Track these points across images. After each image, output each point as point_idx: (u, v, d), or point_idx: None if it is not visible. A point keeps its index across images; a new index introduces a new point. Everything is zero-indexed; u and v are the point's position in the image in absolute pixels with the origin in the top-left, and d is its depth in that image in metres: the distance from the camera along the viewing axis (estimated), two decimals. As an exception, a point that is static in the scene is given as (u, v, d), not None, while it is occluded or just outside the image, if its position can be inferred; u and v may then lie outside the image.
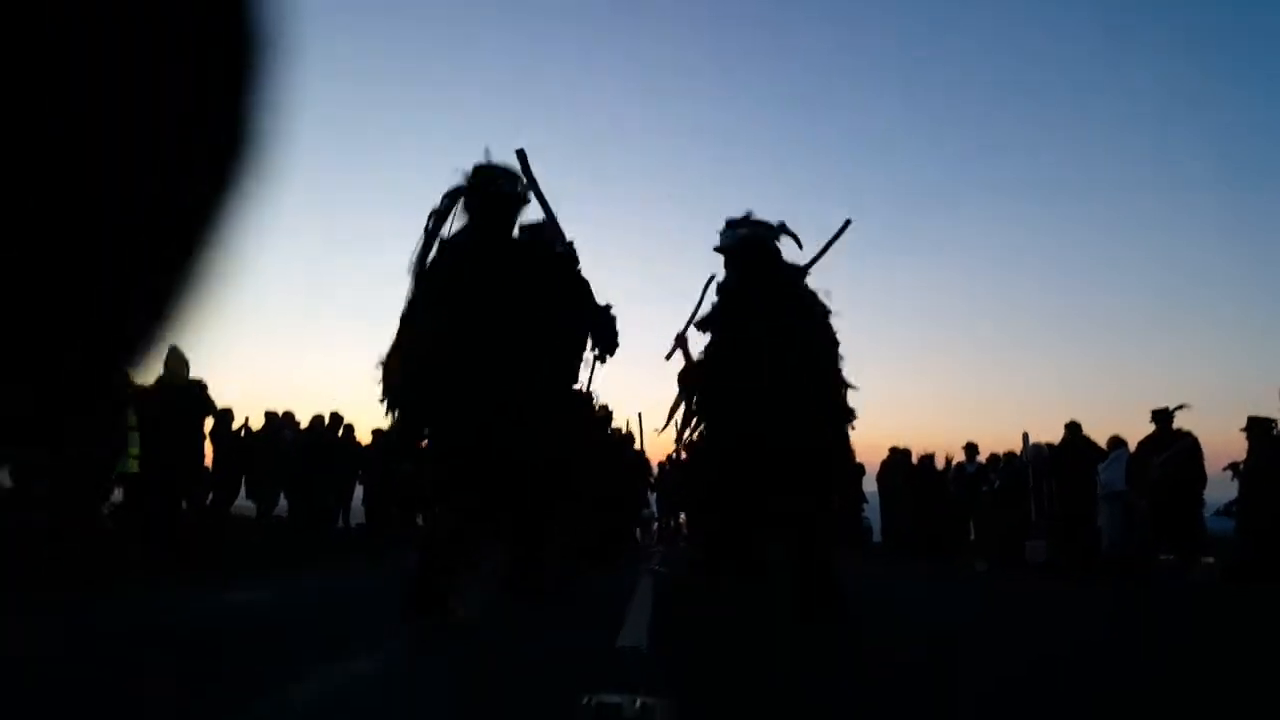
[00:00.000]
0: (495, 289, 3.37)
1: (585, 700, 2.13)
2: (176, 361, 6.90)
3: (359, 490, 10.51)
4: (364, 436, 10.38)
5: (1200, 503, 8.52)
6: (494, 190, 3.54)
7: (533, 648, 3.21)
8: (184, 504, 7.71)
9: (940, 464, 11.47)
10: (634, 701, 2.13)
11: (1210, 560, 7.96)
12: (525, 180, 3.62)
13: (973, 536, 10.74)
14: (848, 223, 4.15)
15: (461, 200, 3.52)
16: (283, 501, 10.00)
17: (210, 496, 8.68)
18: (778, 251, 3.94)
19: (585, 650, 3.10)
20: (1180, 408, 8.68)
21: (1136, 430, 9.06)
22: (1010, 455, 10.23)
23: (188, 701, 2.22)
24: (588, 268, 3.84)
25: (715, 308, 4.05)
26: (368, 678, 2.60)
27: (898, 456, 11.91)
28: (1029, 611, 5.15)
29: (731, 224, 3.98)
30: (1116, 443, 9.72)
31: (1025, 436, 9.86)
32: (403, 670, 2.71)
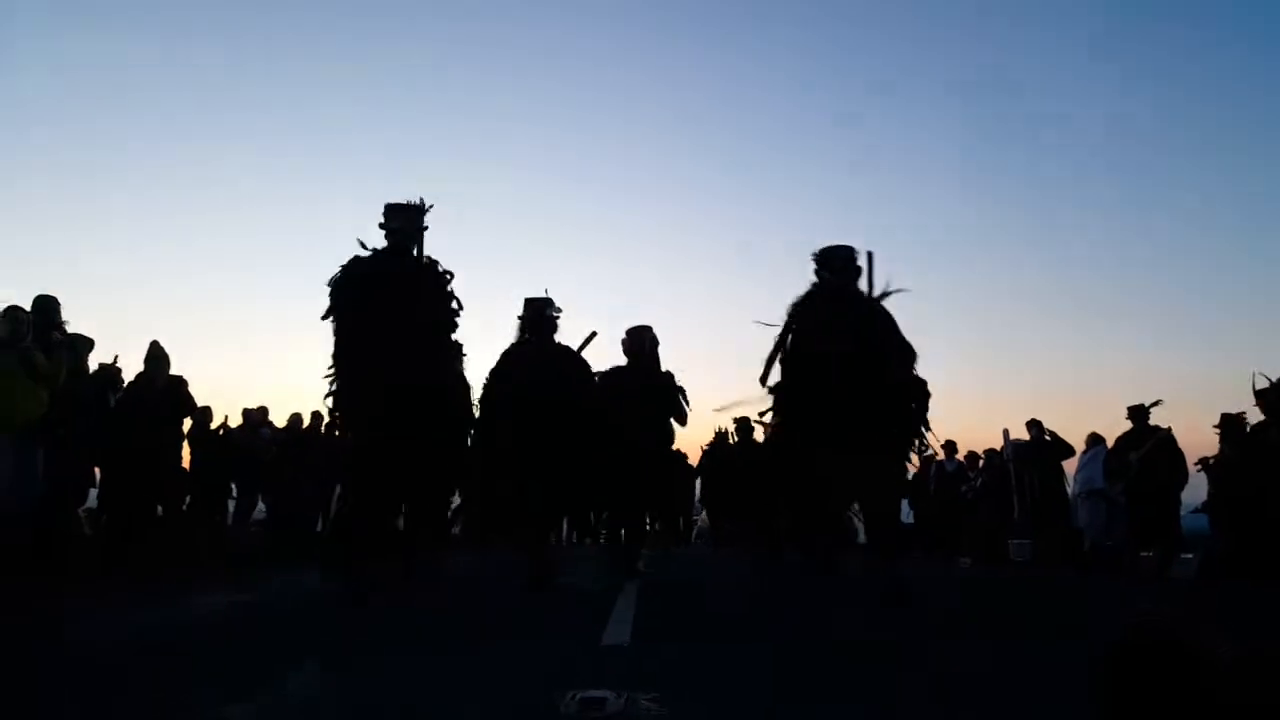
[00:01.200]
0: (400, 303, 4.46)
1: (570, 695, 2.12)
2: (156, 358, 6.78)
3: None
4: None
5: (1178, 500, 8.61)
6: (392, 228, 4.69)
7: (518, 646, 3.20)
8: (160, 507, 7.59)
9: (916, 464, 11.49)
10: (619, 696, 2.12)
11: (1189, 556, 8.05)
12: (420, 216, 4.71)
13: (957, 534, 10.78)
14: (870, 255, 4.62)
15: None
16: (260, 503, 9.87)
17: (188, 499, 8.56)
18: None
19: (571, 648, 3.09)
20: (1155, 404, 8.78)
21: (1116, 428, 9.16)
22: (991, 452, 10.30)
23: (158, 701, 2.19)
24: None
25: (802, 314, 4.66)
26: (351, 673, 2.57)
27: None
28: (1011, 605, 5.18)
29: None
30: (1095, 440, 9.82)
31: (1005, 433, 9.94)
32: (386, 667, 2.68)
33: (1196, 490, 8.62)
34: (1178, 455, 8.59)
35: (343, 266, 4.58)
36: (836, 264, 4.64)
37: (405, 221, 4.64)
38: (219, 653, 2.99)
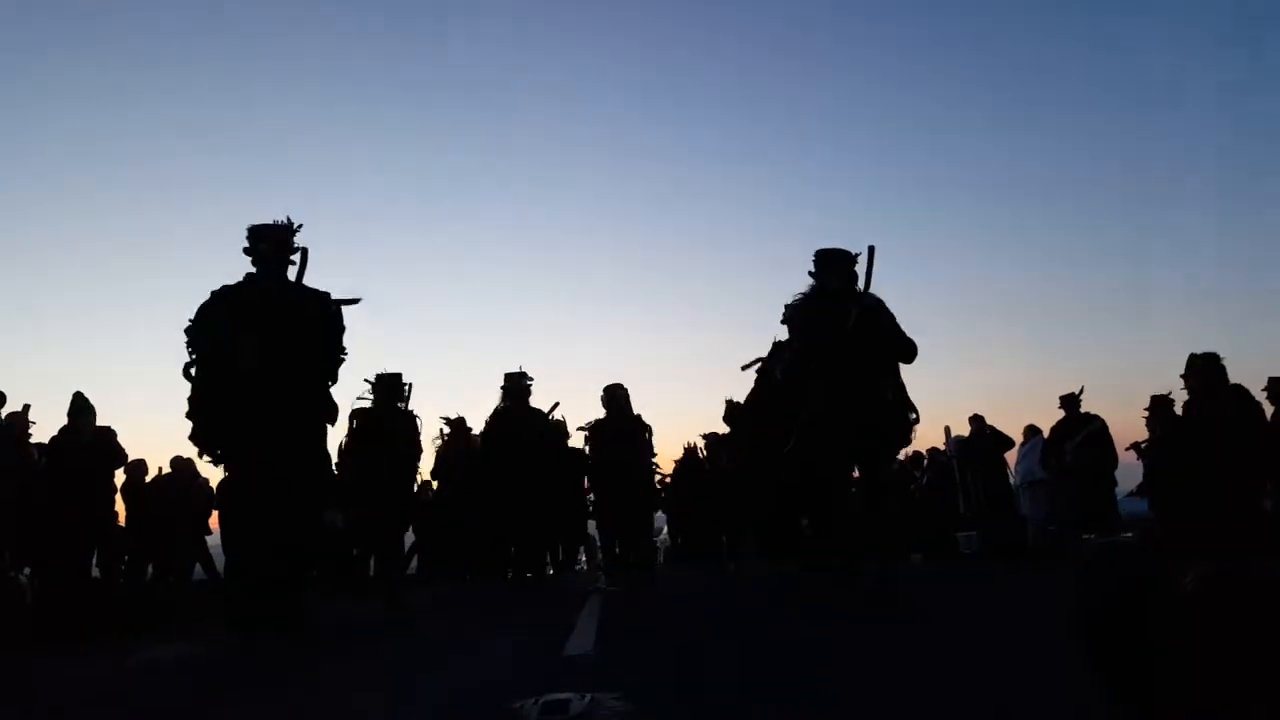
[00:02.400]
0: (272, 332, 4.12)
1: (533, 700, 2.11)
2: (80, 409, 6.54)
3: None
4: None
5: (1112, 483, 8.91)
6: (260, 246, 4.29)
7: (480, 659, 3.18)
8: (94, 564, 7.29)
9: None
10: (582, 698, 2.11)
11: (1129, 536, 8.31)
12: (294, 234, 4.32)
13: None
14: (871, 249, 4.62)
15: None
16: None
17: (126, 557, 8.23)
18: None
19: (534, 658, 3.07)
20: (1081, 391, 9.14)
21: (1050, 420, 9.46)
22: (934, 450, 10.52)
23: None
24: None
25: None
26: (317, 689, 2.52)
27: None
28: (977, 594, 5.29)
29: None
30: (1032, 432, 10.12)
31: (947, 430, 10.17)
32: (350, 685, 2.63)
33: (1128, 474, 8.96)
34: (1108, 442, 8.92)
35: (205, 303, 4.14)
36: (827, 264, 4.72)
37: (273, 244, 4.23)
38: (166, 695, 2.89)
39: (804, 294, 4.83)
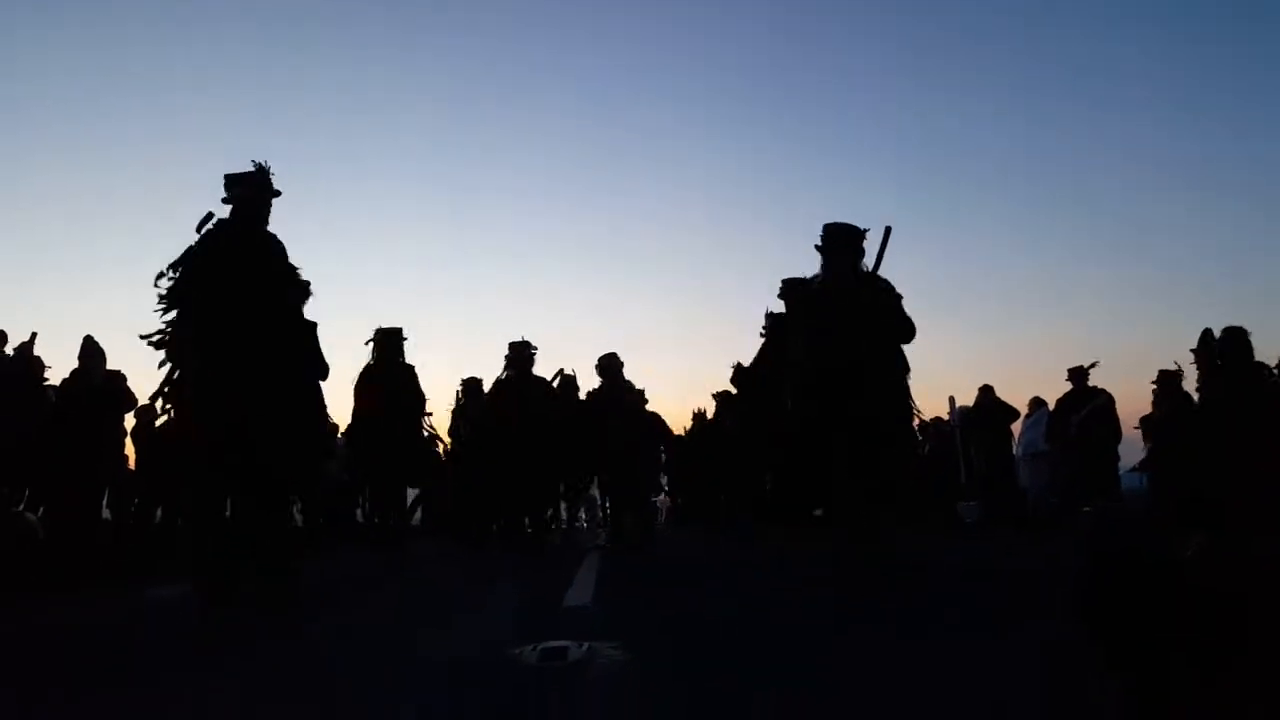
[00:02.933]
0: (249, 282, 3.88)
1: (532, 647, 2.15)
2: (90, 354, 6.58)
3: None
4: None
5: (1115, 458, 8.91)
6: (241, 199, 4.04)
7: (478, 611, 3.23)
8: (105, 508, 7.39)
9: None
10: (580, 646, 2.15)
11: (1127, 507, 8.33)
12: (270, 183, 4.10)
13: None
14: (888, 230, 4.47)
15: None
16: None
17: (136, 500, 8.35)
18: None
19: (532, 610, 3.13)
20: (1093, 365, 9.07)
21: (1056, 393, 9.44)
22: (938, 420, 10.54)
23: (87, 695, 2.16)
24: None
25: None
26: (320, 637, 2.57)
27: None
28: (964, 567, 5.33)
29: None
30: (1038, 404, 10.11)
31: (952, 400, 10.18)
32: (353, 632, 2.68)
33: (1132, 450, 8.95)
34: (1113, 416, 8.90)
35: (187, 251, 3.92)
36: (835, 244, 4.59)
37: (250, 189, 4.04)
38: (176, 640, 2.95)
39: (809, 280, 4.75)
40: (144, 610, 3.82)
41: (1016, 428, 9.98)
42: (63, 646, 2.69)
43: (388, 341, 6.57)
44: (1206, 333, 6.96)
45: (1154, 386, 8.34)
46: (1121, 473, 9.16)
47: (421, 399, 6.79)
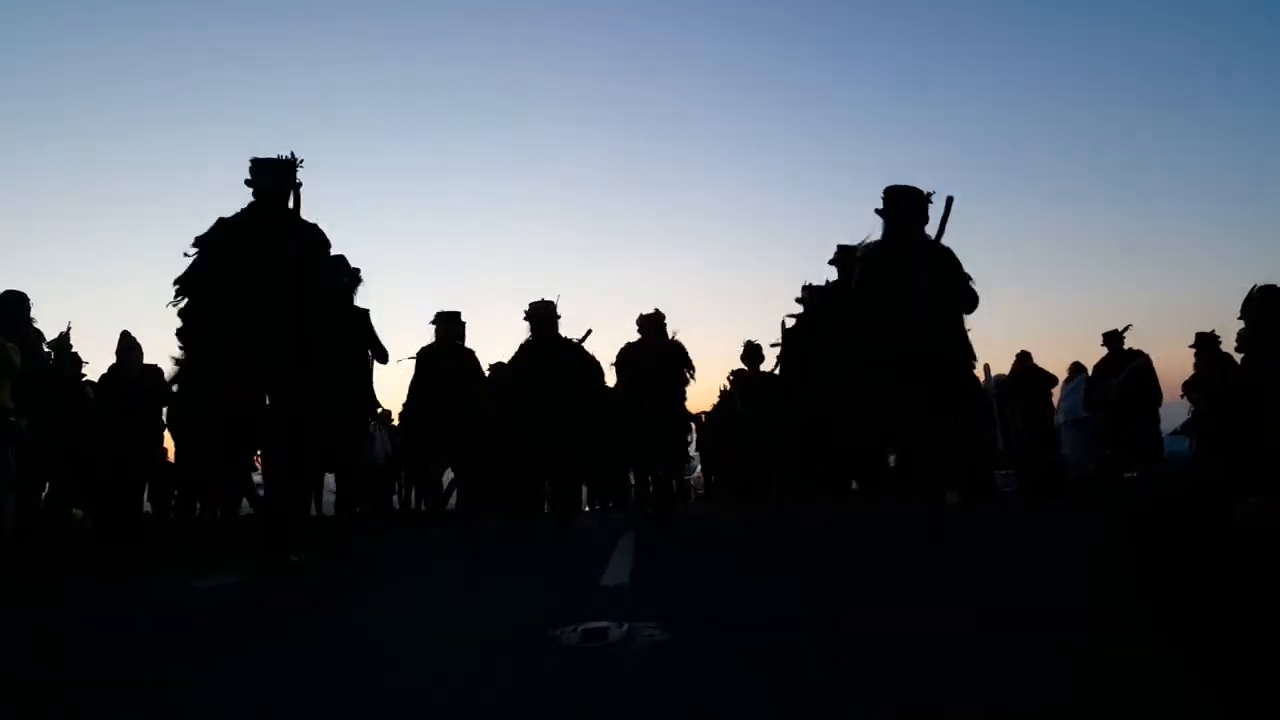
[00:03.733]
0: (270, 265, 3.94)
1: (572, 628, 2.13)
2: (128, 349, 6.67)
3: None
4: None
5: (1157, 420, 8.73)
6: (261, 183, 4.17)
7: (518, 590, 3.23)
8: (146, 499, 7.53)
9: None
10: (620, 626, 2.13)
11: (1172, 470, 8.17)
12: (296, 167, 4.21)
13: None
14: (950, 200, 4.37)
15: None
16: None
17: (175, 492, 8.48)
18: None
19: (571, 589, 3.11)
20: (1127, 328, 8.89)
21: (1093, 359, 9.26)
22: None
23: (169, 668, 2.18)
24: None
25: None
26: (362, 615, 2.58)
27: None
28: (1003, 531, 5.26)
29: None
30: (1077, 369, 9.92)
31: (987, 369, 10.03)
32: (392, 613, 2.69)
33: (1172, 414, 8.75)
34: (1153, 379, 8.70)
35: (205, 234, 4.07)
36: (900, 207, 4.44)
37: (274, 178, 4.20)
38: (228, 619, 2.98)
39: (874, 243, 4.57)
40: (190, 600, 3.86)
41: (1055, 394, 9.82)
42: (114, 639, 2.72)
43: (447, 324, 6.57)
44: (1253, 291, 6.76)
45: (1192, 348, 8.15)
46: (1165, 436, 8.97)
47: (481, 381, 6.78)
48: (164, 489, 8.01)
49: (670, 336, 7.10)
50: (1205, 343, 8.01)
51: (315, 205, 4.36)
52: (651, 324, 7.06)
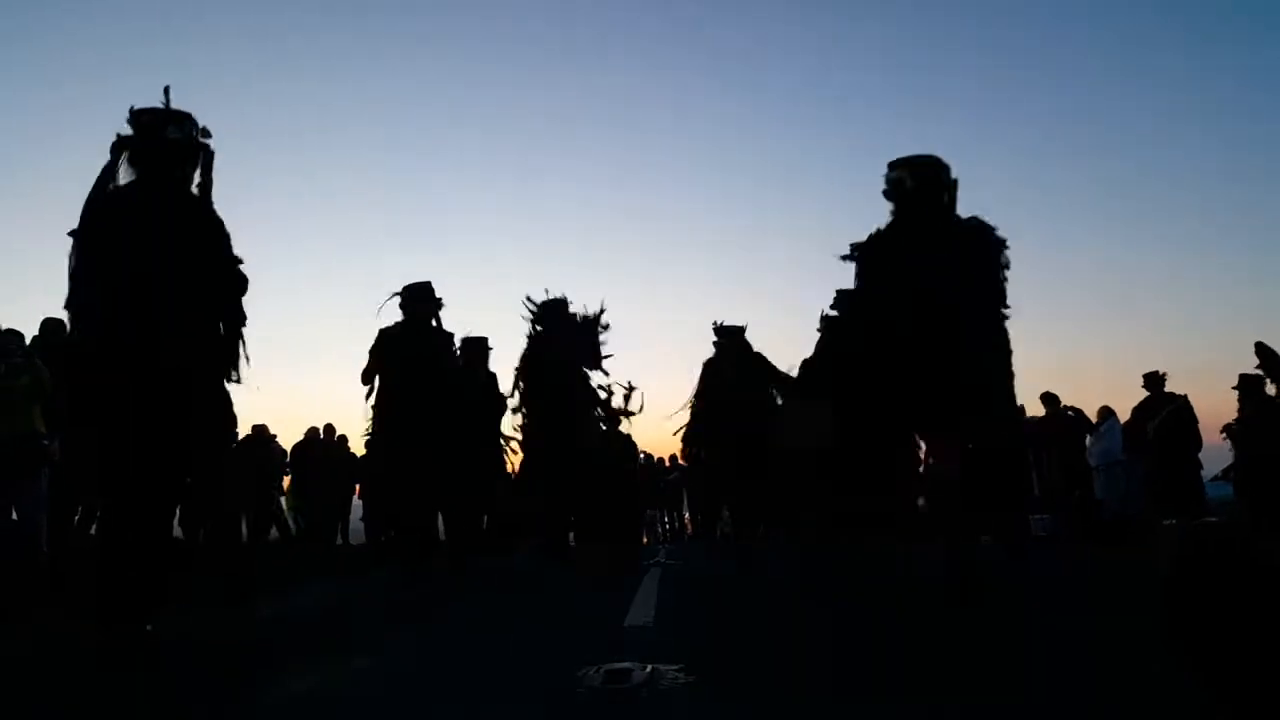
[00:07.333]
0: (156, 244, 2.96)
1: (595, 669, 2.10)
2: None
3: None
4: (358, 448, 10.28)
5: (1198, 465, 8.54)
6: (159, 138, 3.07)
7: (541, 629, 3.20)
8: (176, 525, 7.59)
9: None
10: (643, 668, 2.10)
11: (1214, 520, 7.96)
12: (200, 128, 3.16)
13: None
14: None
15: (127, 153, 3.07)
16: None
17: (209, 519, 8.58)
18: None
19: (594, 630, 3.08)
20: (1163, 375, 8.79)
21: (1127, 401, 9.10)
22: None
23: (192, 702, 2.18)
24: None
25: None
26: (384, 655, 2.57)
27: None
28: (1031, 577, 5.14)
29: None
30: (1107, 413, 9.75)
31: (1021, 409, 9.88)
32: (418, 650, 2.67)
33: (1212, 459, 8.54)
34: (1192, 421, 8.52)
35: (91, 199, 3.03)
36: (913, 179, 3.49)
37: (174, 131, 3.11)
38: (250, 656, 2.99)
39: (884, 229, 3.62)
40: (211, 627, 3.88)
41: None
42: (171, 659, 2.73)
43: (473, 351, 6.50)
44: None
45: (1236, 391, 7.99)
46: (1205, 480, 8.77)
47: (501, 406, 6.58)
48: (195, 514, 8.08)
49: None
50: (1249, 384, 7.85)
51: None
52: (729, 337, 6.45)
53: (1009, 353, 3.48)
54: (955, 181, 3.54)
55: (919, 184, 3.48)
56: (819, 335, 6.10)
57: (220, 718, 1.97)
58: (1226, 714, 1.28)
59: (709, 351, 6.48)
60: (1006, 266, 3.48)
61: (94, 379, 2.92)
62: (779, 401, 6.36)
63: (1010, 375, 3.52)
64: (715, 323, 6.33)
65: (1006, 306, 3.47)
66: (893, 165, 3.55)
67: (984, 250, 3.45)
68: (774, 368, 6.30)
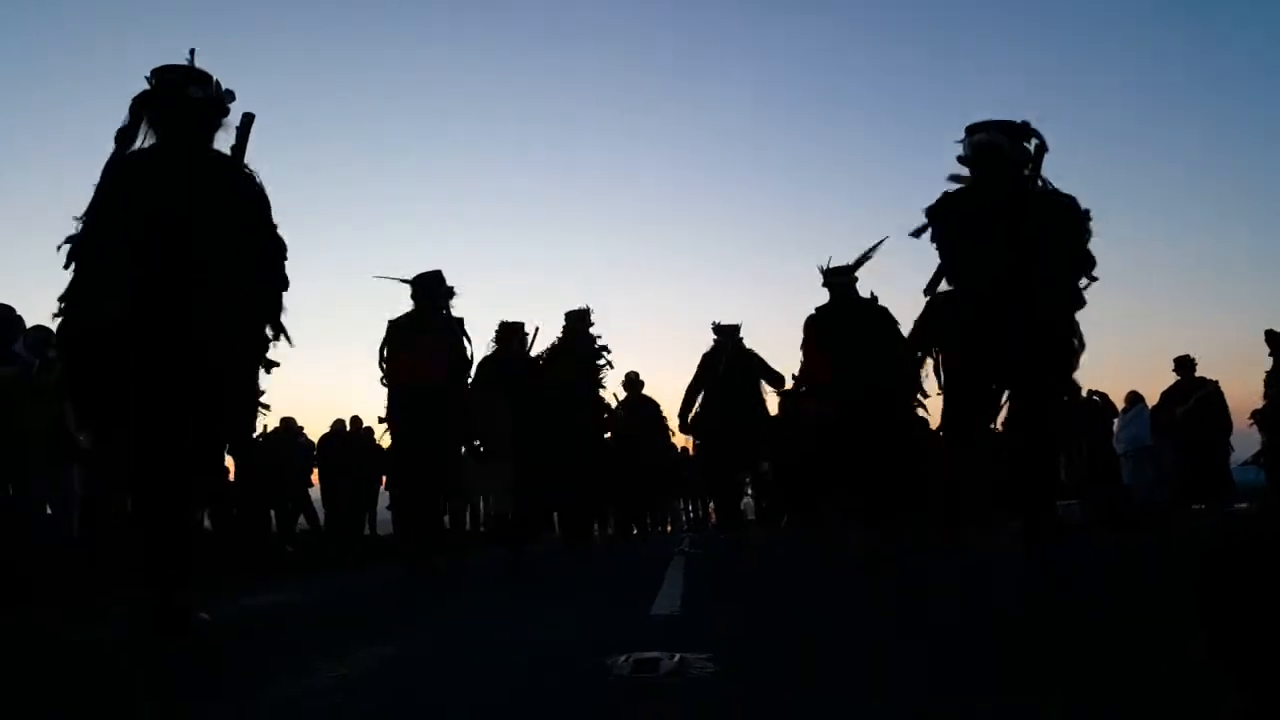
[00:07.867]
0: (182, 208, 2.78)
1: (623, 657, 2.12)
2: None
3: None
4: (385, 439, 10.36)
5: (1227, 449, 8.43)
6: (181, 97, 2.91)
7: (567, 618, 3.23)
8: (204, 515, 7.71)
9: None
10: (671, 657, 2.11)
11: (1244, 506, 7.87)
12: (224, 90, 3.00)
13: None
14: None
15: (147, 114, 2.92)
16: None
17: (235, 510, 8.70)
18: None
19: (621, 618, 3.11)
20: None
21: (1154, 386, 8.99)
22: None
23: (221, 684, 2.22)
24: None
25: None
26: (412, 651, 2.60)
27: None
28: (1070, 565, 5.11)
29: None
30: (1135, 398, 9.65)
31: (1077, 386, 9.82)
32: (443, 641, 2.71)
33: (1242, 445, 8.42)
34: (1223, 407, 8.41)
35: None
36: (994, 141, 3.48)
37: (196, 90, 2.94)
38: (280, 643, 3.03)
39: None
40: (245, 613, 3.94)
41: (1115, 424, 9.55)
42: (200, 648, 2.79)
43: (508, 334, 6.54)
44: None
45: (1267, 345, 7.83)
46: (1234, 466, 8.66)
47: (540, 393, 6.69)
48: (225, 507, 8.22)
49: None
50: (1276, 339, 7.71)
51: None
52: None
53: (1076, 325, 3.53)
54: (1040, 147, 3.47)
55: (995, 148, 3.46)
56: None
57: (249, 700, 2.00)
58: (1246, 702, 1.27)
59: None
60: (1089, 236, 3.48)
61: (101, 375, 2.74)
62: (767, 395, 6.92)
63: (1078, 344, 3.56)
64: (714, 323, 6.88)
65: (1093, 277, 3.48)
66: (971, 129, 3.55)
67: (1064, 217, 3.45)
68: (764, 363, 6.76)
